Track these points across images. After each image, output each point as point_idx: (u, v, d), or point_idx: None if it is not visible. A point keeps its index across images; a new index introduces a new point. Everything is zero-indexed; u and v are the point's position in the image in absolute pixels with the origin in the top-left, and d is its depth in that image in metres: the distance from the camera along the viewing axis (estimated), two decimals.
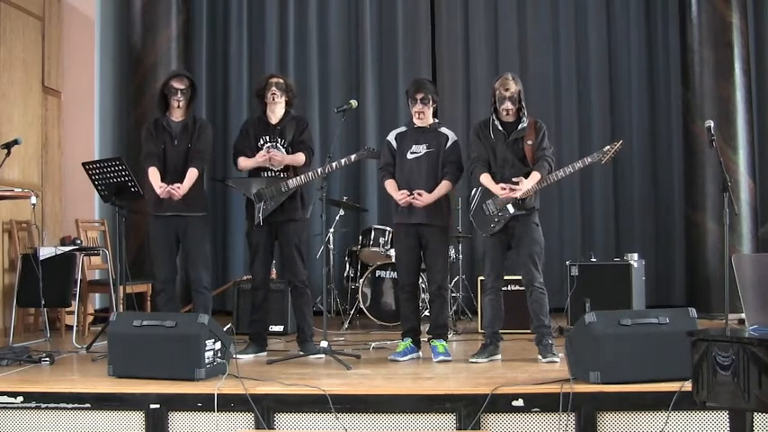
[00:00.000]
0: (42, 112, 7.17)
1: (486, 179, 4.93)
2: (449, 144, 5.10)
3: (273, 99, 5.26)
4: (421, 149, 5.08)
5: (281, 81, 5.29)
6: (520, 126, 4.94)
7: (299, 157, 5.24)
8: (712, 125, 4.92)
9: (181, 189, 5.09)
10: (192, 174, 5.16)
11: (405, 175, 5.08)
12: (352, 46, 8.40)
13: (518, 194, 4.81)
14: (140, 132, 5.44)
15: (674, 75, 8.00)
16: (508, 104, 4.89)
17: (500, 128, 4.95)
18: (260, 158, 5.18)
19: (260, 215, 5.15)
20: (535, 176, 4.86)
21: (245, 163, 5.28)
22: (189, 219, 5.19)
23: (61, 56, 7.50)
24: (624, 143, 8.02)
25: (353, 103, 5.35)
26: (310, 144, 5.37)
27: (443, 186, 5.04)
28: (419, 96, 5.10)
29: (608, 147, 4.93)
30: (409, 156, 5.09)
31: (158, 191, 5.09)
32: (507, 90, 4.90)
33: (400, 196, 4.99)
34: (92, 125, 7.61)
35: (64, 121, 7.52)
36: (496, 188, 4.87)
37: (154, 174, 5.14)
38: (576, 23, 8.32)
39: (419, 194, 4.95)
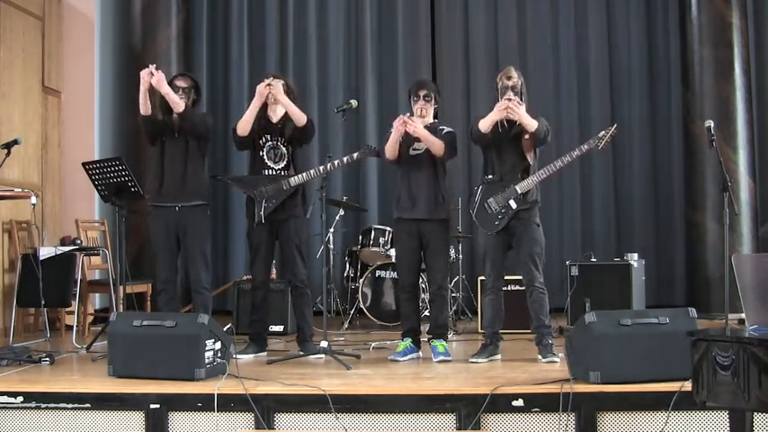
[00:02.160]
0: (42, 112, 7.17)
1: (482, 121, 4.90)
2: (444, 131, 5.14)
3: (275, 99, 5.27)
4: (422, 146, 5.10)
5: (282, 82, 5.29)
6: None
7: (302, 116, 5.20)
8: (712, 125, 4.92)
9: (162, 84, 5.06)
10: (180, 99, 5.13)
11: (406, 170, 5.12)
12: (352, 46, 8.40)
13: (512, 109, 4.77)
14: (140, 133, 5.45)
15: (674, 75, 8.01)
16: (510, 94, 4.89)
17: (504, 123, 4.96)
18: (261, 87, 5.14)
19: (261, 214, 5.15)
20: (534, 123, 4.82)
21: (243, 118, 5.21)
22: (188, 212, 5.17)
23: (61, 56, 7.50)
24: (624, 143, 8.19)
25: (353, 102, 5.36)
26: (309, 115, 5.34)
27: (436, 140, 5.02)
28: (422, 93, 5.14)
29: (603, 132, 4.92)
30: (411, 152, 5.12)
31: (143, 73, 5.09)
32: (510, 79, 4.92)
33: (398, 120, 4.99)
34: (92, 125, 7.61)
35: (64, 121, 7.53)
36: (493, 114, 4.83)
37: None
38: (576, 23, 8.32)
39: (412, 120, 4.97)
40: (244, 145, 5.33)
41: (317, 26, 8.36)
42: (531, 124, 4.82)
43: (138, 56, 7.44)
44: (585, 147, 4.92)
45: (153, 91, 5.19)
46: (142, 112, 5.20)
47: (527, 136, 4.91)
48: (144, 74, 5.11)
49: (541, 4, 8.33)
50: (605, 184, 8.22)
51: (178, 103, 5.13)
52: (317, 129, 7.99)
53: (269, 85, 5.14)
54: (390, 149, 5.09)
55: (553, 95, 8.21)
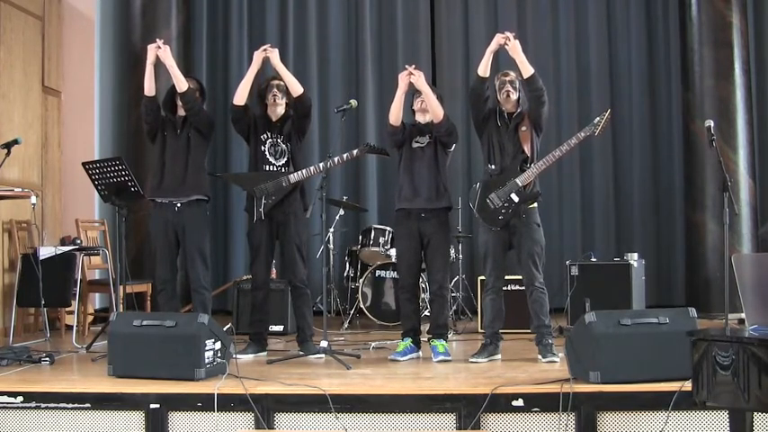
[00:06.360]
0: (42, 112, 7.17)
1: (480, 65, 4.96)
2: None
3: (275, 100, 5.28)
4: (424, 140, 5.14)
5: (283, 83, 5.30)
6: (517, 111, 4.98)
7: (299, 86, 5.23)
8: (712, 125, 4.92)
9: (167, 57, 5.09)
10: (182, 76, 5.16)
11: (408, 163, 5.14)
12: (352, 46, 8.41)
13: (511, 40, 4.84)
14: (140, 133, 5.46)
15: (674, 75, 8.01)
16: (509, 87, 4.95)
17: (504, 115, 4.98)
18: (258, 53, 5.23)
19: (261, 210, 5.16)
20: (530, 67, 4.86)
21: (239, 87, 5.26)
22: (187, 211, 5.16)
23: (61, 56, 7.50)
24: (624, 143, 8.19)
25: (353, 103, 5.36)
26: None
27: (437, 102, 5.04)
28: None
29: (598, 119, 4.94)
30: (414, 145, 5.15)
31: (150, 46, 5.14)
32: (507, 76, 4.98)
33: (403, 72, 5.05)
34: (92, 125, 7.62)
35: (64, 121, 7.52)
36: (489, 47, 4.92)
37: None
38: (577, 23, 8.33)
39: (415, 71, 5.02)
40: (240, 121, 5.31)
41: (317, 26, 8.36)
42: (528, 67, 4.86)
43: (138, 56, 7.43)
44: (582, 134, 4.93)
45: (157, 77, 5.20)
46: (146, 91, 5.19)
47: (524, 128, 4.93)
48: (151, 47, 5.14)
49: (541, 3, 8.34)
50: (605, 184, 8.22)
51: (181, 80, 5.14)
52: (317, 128, 8.08)
53: (265, 50, 5.18)
54: (395, 109, 5.08)
55: (553, 96, 8.18)
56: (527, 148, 4.94)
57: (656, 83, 8.25)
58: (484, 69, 4.94)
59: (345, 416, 3.85)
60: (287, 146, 5.30)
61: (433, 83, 7.57)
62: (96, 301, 7.31)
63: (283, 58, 8.19)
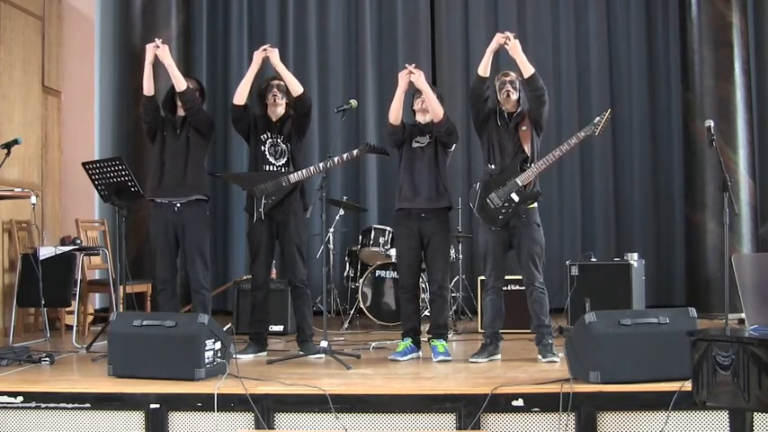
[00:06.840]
0: (42, 112, 7.17)
1: (480, 65, 4.97)
2: None
3: (275, 101, 5.28)
4: (424, 140, 5.14)
5: (283, 83, 5.30)
6: (517, 111, 4.98)
7: (299, 86, 5.24)
8: (712, 125, 4.92)
9: (166, 56, 5.09)
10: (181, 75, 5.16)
11: (408, 163, 5.14)
12: (352, 46, 8.41)
13: (511, 40, 4.85)
14: (140, 133, 5.46)
15: (674, 75, 8.01)
16: (509, 87, 4.95)
17: (504, 115, 4.99)
18: (258, 53, 5.25)
19: (261, 210, 5.16)
20: (530, 67, 4.87)
21: (239, 86, 5.27)
22: (187, 210, 5.16)
23: (61, 56, 7.50)
24: (624, 143, 8.20)
25: (353, 103, 5.37)
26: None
27: (437, 101, 5.04)
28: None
29: (598, 118, 4.94)
30: (414, 145, 5.16)
31: (149, 46, 5.13)
32: (507, 76, 4.99)
33: (403, 71, 5.05)
34: (92, 125, 7.62)
35: (64, 121, 7.52)
36: (489, 47, 4.93)
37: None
38: (577, 23, 8.34)
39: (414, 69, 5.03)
40: (240, 121, 5.31)
41: (317, 26, 8.37)
42: (528, 67, 4.87)
43: (138, 56, 7.40)
44: (582, 134, 4.94)
45: (156, 77, 5.20)
46: (145, 91, 5.19)
47: (524, 128, 4.94)
48: (150, 46, 5.15)
49: (541, 4, 8.34)
50: (605, 184, 8.22)
51: (180, 80, 5.14)
52: (317, 128, 8.07)
53: (264, 50, 5.19)
54: (395, 108, 5.08)
55: (553, 96, 8.17)
56: (527, 148, 4.94)
57: (656, 83, 8.25)
58: (484, 69, 4.95)
59: (345, 416, 3.85)
60: (287, 146, 5.30)
61: (433, 83, 7.57)
62: (96, 301, 7.31)
63: (283, 58, 8.19)
